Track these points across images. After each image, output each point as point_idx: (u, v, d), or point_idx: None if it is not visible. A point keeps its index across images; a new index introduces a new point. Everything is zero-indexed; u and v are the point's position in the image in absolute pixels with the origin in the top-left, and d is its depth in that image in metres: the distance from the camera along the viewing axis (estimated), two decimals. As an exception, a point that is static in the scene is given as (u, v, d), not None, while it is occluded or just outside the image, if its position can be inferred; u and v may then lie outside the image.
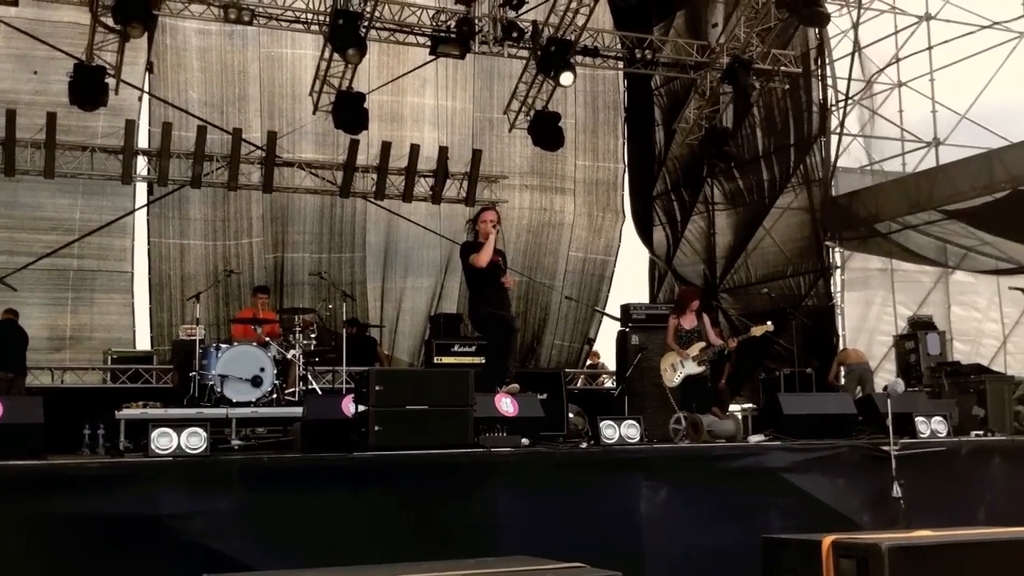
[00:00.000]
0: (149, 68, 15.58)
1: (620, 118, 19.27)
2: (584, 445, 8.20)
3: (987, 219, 14.41)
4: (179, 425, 6.78)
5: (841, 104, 16.52)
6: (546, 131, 15.58)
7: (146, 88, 15.56)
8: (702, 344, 10.81)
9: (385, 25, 14.65)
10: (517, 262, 17.89)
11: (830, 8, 15.33)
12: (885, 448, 8.06)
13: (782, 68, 16.45)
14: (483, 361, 10.12)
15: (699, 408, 10.16)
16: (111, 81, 13.58)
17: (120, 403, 10.05)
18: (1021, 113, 15.09)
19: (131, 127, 14.84)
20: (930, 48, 16.44)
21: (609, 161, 19.01)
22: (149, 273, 16.00)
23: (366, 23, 13.92)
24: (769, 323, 10.96)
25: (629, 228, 19.35)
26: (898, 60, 16.87)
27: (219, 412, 9.93)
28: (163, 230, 16.03)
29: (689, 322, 10.99)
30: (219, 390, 10.54)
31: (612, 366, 15.33)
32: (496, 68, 17.37)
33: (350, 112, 14.30)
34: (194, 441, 6.68)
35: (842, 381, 14.69)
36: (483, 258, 8.95)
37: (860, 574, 5.06)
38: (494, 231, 9.04)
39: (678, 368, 10.73)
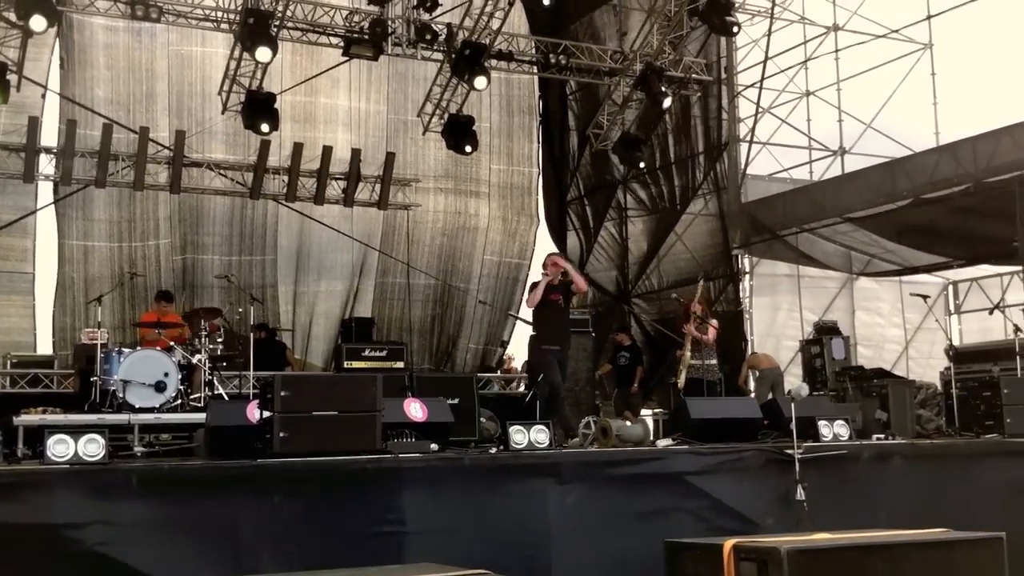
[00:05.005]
0: (61, 64, 15.18)
1: (535, 122, 19.30)
2: (494, 450, 8.19)
3: (889, 226, 14.79)
4: (76, 432, 6.60)
5: (750, 112, 16.80)
6: (460, 134, 15.50)
7: (50, 85, 15.15)
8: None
9: (297, 25, 14.50)
10: (432, 265, 17.88)
11: (741, 17, 15.62)
12: (789, 451, 8.17)
13: (694, 76, 16.69)
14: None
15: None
16: (13, 78, 13.21)
17: (19, 409, 9.84)
18: (923, 124, 15.50)
19: (34, 124, 14.42)
20: (837, 58, 16.79)
21: (524, 165, 19.04)
22: (57, 275, 15.57)
23: (277, 22, 13.75)
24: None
25: (543, 232, 19.42)
26: (807, 70, 17.20)
27: (121, 418, 9.76)
28: (67, 231, 15.59)
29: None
30: (121, 395, 10.29)
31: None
32: (410, 70, 17.26)
33: (260, 112, 14.11)
34: (92, 448, 6.50)
35: (752, 385, 14.89)
36: (532, 300, 10.10)
37: (760, 577, 5.13)
38: (548, 275, 9.98)
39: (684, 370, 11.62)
